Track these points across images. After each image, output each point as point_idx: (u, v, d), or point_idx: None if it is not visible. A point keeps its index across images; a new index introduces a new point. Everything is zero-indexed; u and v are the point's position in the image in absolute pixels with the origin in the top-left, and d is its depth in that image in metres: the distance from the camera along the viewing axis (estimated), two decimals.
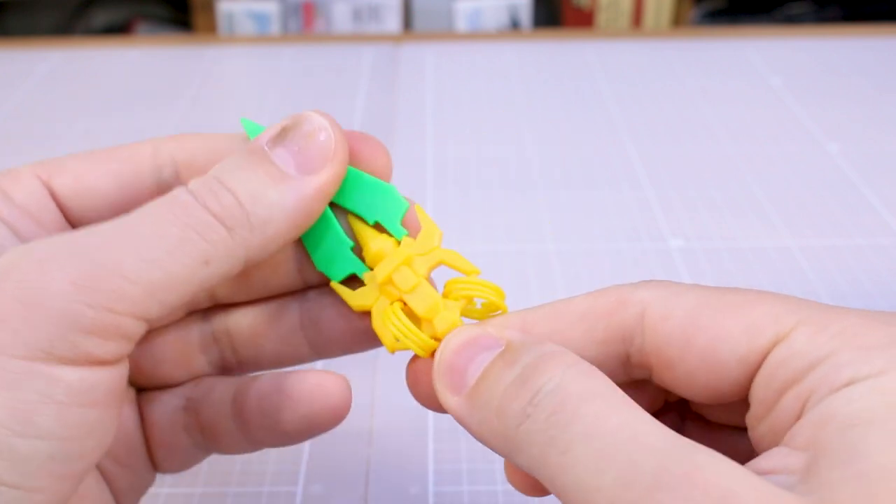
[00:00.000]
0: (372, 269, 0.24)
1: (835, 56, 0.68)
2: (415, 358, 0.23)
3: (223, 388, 0.25)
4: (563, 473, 0.18)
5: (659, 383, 0.21)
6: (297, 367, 0.25)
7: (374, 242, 0.23)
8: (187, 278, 0.20)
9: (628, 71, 0.67)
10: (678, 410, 0.24)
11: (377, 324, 0.24)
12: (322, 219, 0.24)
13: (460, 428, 0.27)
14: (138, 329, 0.20)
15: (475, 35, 0.87)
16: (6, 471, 0.18)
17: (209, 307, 0.26)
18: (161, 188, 0.24)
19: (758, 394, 0.19)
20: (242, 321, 0.25)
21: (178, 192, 0.21)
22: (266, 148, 0.22)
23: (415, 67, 0.68)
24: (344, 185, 0.24)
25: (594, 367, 0.19)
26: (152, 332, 0.25)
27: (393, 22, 1.44)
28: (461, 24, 1.44)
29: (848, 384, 0.17)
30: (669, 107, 0.61)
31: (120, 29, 1.53)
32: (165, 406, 0.26)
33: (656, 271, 0.44)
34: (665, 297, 0.21)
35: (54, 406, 0.19)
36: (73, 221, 0.24)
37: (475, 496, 0.32)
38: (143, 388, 0.26)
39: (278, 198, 0.21)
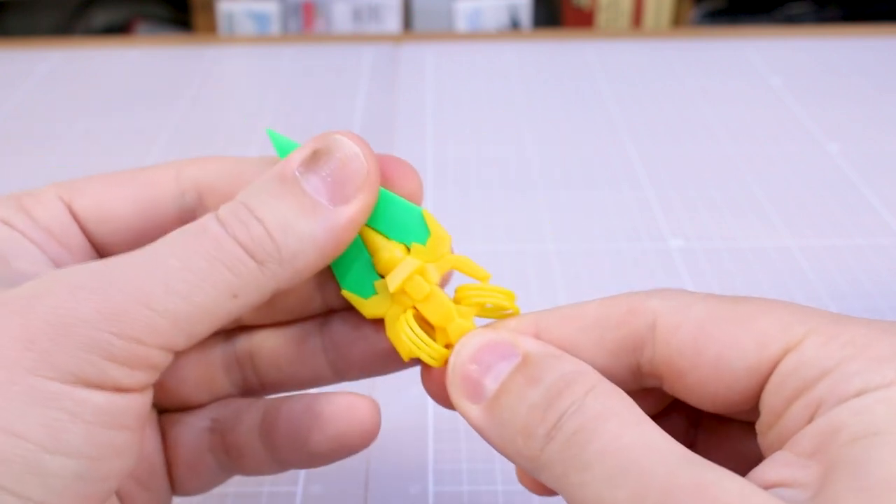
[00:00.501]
0: (383, 277, 0.24)
1: (835, 56, 0.68)
2: (428, 366, 0.23)
3: (251, 409, 0.25)
4: (581, 490, 0.18)
5: (670, 392, 0.21)
6: (322, 389, 0.25)
7: (384, 251, 0.23)
8: (215, 311, 0.20)
9: (628, 71, 0.67)
10: (692, 409, 0.24)
11: (391, 333, 0.24)
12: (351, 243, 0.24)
13: (460, 428, 0.27)
14: (165, 359, 0.20)
15: (475, 35, 0.87)
16: (36, 487, 0.18)
17: (232, 329, 0.26)
18: (183, 214, 0.24)
19: (767, 403, 0.19)
20: (265, 343, 0.25)
21: (207, 222, 0.21)
22: (297, 174, 0.21)
23: (415, 67, 0.68)
24: (377, 205, 0.23)
25: (613, 386, 0.20)
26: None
27: (393, 22, 1.44)
28: (461, 24, 1.44)
29: (858, 394, 0.17)
30: (669, 107, 0.61)
31: (120, 29, 1.53)
32: (191, 427, 0.26)
33: (656, 271, 0.44)
34: (676, 307, 0.21)
35: (83, 425, 0.19)
36: (95, 244, 0.24)
37: (475, 496, 0.32)
38: (165, 409, 0.26)
39: (310, 230, 0.21)
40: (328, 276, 0.24)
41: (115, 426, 0.19)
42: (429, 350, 0.23)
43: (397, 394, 0.36)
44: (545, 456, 0.19)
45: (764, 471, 0.18)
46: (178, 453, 0.26)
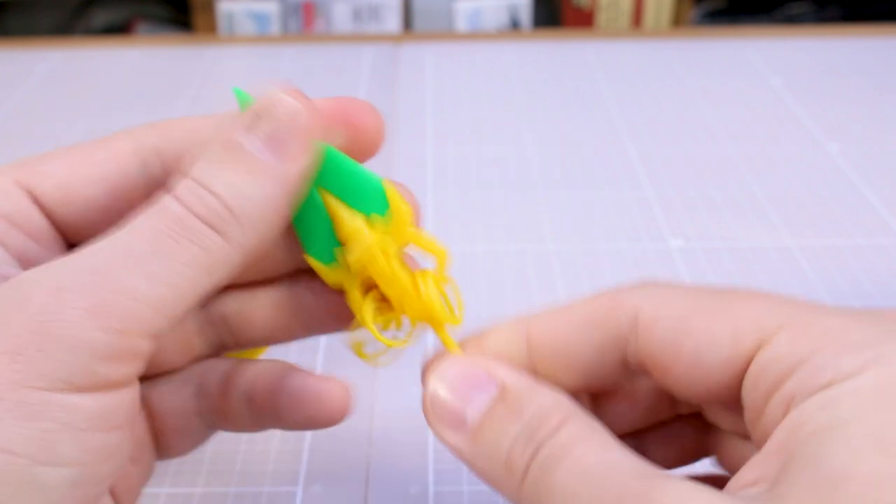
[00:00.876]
0: (344, 246, 0.24)
1: (835, 56, 0.68)
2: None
3: (236, 373, 0.26)
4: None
5: (660, 385, 0.22)
6: (302, 345, 0.26)
7: (345, 221, 0.23)
8: (192, 290, 0.20)
9: (628, 71, 0.67)
10: (700, 418, 0.24)
11: (351, 303, 0.24)
12: (313, 205, 0.24)
13: None
14: (150, 347, 0.20)
15: (475, 35, 0.87)
16: (33, 500, 0.18)
17: None
18: (149, 183, 0.24)
19: (748, 398, 0.20)
20: (236, 305, 0.26)
21: (166, 202, 0.21)
22: (240, 140, 0.22)
23: (415, 67, 0.68)
24: (338, 174, 0.23)
25: (587, 416, 0.20)
26: None
27: (393, 22, 1.44)
28: (461, 24, 1.44)
29: (827, 386, 0.18)
30: (669, 107, 0.61)
31: (120, 29, 1.53)
32: (178, 395, 0.26)
33: (656, 271, 0.44)
34: (656, 301, 0.21)
35: (75, 433, 0.19)
36: (59, 227, 0.24)
37: (475, 496, 0.32)
38: (143, 377, 0.26)
39: (261, 191, 0.21)
40: (295, 236, 0.24)
41: (107, 428, 0.19)
42: (385, 342, 0.23)
43: (397, 394, 0.36)
44: (524, 489, 0.20)
45: (743, 471, 0.18)
46: (165, 422, 0.26)
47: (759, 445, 0.19)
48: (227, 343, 0.26)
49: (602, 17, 1.48)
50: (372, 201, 0.23)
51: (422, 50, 0.71)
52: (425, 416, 0.22)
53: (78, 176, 0.24)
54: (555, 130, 0.58)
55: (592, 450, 0.19)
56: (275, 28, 1.42)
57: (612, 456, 0.19)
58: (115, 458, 0.20)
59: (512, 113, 0.60)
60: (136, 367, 0.20)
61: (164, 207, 0.21)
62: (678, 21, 1.47)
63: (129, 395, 0.20)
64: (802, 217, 0.48)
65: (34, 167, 0.24)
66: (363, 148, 0.24)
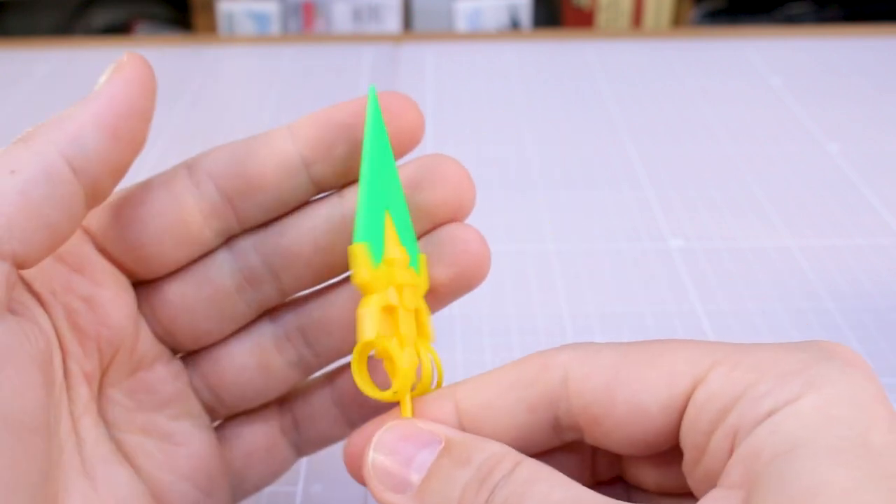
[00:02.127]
0: (384, 268, 0.23)
1: (835, 56, 0.68)
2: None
3: (321, 395, 0.26)
4: None
5: (592, 443, 0.21)
6: None
7: (389, 251, 0.23)
8: (35, 202, 0.20)
9: (628, 71, 0.67)
10: (622, 485, 0.24)
11: (359, 311, 0.23)
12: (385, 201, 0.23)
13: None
14: (7, 267, 0.19)
15: (475, 35, 0.87)
16: None
17: (276, 308, 0.26)
18: (202, 207, 0.24)
19: (688, 440, 0.20)
20: (314, 314, 0.25)
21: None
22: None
23: (415, 67, 0.68)
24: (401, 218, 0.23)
25: (538, 462, 0.20)
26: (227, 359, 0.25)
27: (393, 22, 1.44)
28: (461, 24, 1.44)
29: (770, 414, 0.18)
30: (669, 107, 0.61)
31: (120, 29, 1.53)
32: (271, 428, 0.26)
33: (656, 271, 0.44)
34: (584, 356, 0.21)
35: None
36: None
37: None
38: (231, 415, 0.26)
39: (77, 108, 0.22)
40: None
41: None
42: (371, 391, 0.22)
43: None
44: None
45: None
46: (252, 453, 0.26)
47: (700, 486, 0.20)
48: (307, 360, 0.26)
49: (602, 17, 1.48)
50: (413, 253, 0.23)
51: (422, 50, 0.71)
52: (370, 489, 0.21)
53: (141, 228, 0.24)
54: (555, 130, 0.58)
55: (554, 486, 0.19)
56: (275, 28, 1.42)
57: (576, 492, 0.19)
58: None
59: (512, 113, 0.60)
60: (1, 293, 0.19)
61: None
62: (678, 21, 1.47)
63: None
64: (802, 217, 0.48)
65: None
66: (402, 143, 0.24)
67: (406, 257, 0.23)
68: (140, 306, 0.24)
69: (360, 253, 0.22)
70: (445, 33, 1.34)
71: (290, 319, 0.25)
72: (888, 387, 0.37)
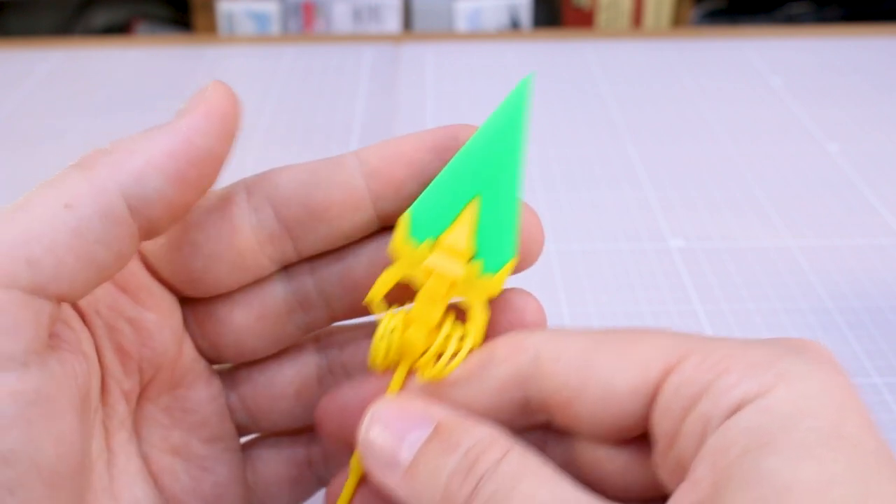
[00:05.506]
0: (438, 247, 0.22)
1: (835, 56, 0.68)
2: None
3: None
4: None
5: (560, 426, 0.22)
6: None
7: (458, 233, 0.22)
8: (51, 225, 0.19)
9: (628, 71, 0.67)
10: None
11: (380, 280, 0.22)
12: (465, 184, 0.22)
13: None
14: (34, 306, 0.18)
15: (475, 35, 0.87)
16: None
17: (289, 266, 0.24)
18: (255, 229, 0.23)
19: (659, 428, 0.20)
20: (360, 352, 0.25)
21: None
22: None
23: (415, 67, 0.68)
24: (501, 201, 0.22)
25: (526, 449, 0.20)
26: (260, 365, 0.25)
27: (393, 22, 1.44)
28: (461, 24, 1.44)
29: (739, 407, 0.18)
30: (669, 107, 0.61)
31: (120, 29, 1.53)
32: (298, 458, 0.26)
33: (656, 271, 0.44)
34: (557, 340, 0.21)
35: None
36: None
37: None
38: (263, 436, 0.26)
39: (147, 140, 0.20)
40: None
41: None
42: (382, 354, 0.22)
43: None
44: None
45: (675, 499, 0.18)
46: (277, 483, 0.25)
47: (671, 476, 0.20)
48: (319, 320, 0.25)
49: (602, 17, 1.48)
50: (495, 251, 0.22)
51: (422, 50, 0.71)
52: (362, 458, 0.21)
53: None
54: (554, 130, 0.58)
55: (541, 484, 0.19)
56: (275, 28, 1.42)
57: (562, 492, 0.19)
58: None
59: None
60: (27, 336, 0.18)
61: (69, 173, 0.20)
62: (678, 21, 1.47)
63: (34, 378, 0.18)
64: (802, 217, 0.48)
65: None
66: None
67: (467, 251, 0.22)
68: (185, 322, 0.24)
69: (401, 223, 0.22)
70: (445, 33, 1.34)
71: (335, 353, 0.25)
72: (888, 386, 0.37)
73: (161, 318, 0.23)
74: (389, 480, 0.21)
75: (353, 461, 0.23)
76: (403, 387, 0.23)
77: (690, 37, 0.74)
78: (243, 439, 0.26)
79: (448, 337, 0.22)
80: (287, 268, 0.24)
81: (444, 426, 0.21)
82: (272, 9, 1.41)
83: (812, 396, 0.18)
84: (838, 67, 0.67)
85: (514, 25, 1.46)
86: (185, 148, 0.20)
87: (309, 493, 0.27)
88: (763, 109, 0.60)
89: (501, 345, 0.22)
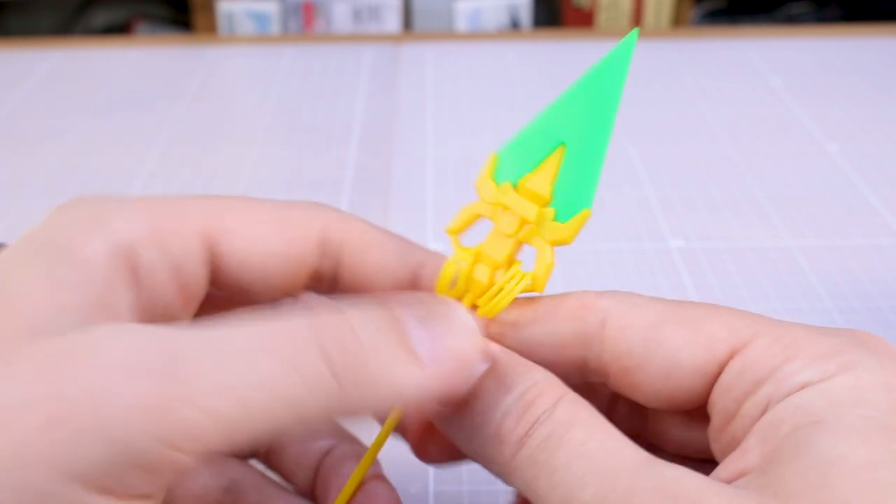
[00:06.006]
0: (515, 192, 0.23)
1: (835, 56, 0.68)
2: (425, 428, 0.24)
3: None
4: (551, 493, 0.19)
5: (615, 389, 0.22)
6: None
7: (540, 180, 0.22)
8: (266, 422, 0.17)
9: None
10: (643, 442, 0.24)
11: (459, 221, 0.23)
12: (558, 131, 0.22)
13: None
14: (192, 464, 0.17)
15: (475, 35, 0.87)
16: None
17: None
18: (313, 275, 0.23)
19: (717, 405, 0.20)
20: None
21: (298, 321, 0.18)
22: (406, 321, 0.19)
23: (415, 67, 0.68)
24: (588, 150, 0.22)
25: (578, 396, 0.20)
26: None
27: (393, 22, 1.44)
28: (461, 24, 1.44)
29: (800, 389, 0.18)
30: (669, 107, 0.61)
31: (120, 29, 1.53)
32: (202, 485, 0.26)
33: (656, 271, 0.44)
34: (626, 307, 0.21)
35: None
36: (212, 282, 0.23)
37: (475, 496, 0.32)
38: None
39: (402, 380, 0.19)
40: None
41: None
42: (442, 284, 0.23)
43: None
44: (516, 462, 0.20)
45: (723, 467, 0.19)
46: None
47: (724, 451, 0.20)
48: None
49: (602, 17, 1.48)
50: (570, 201, 0.22)
51: (422, 50, 0.71)
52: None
53: (261, 247, 0.22)
54: None
55: (594, 434, 0.19)
56: (275, 28, 1.42)
57: (614, 443, 0.19)
58: None
59: (512, 113, 0.60)
60: (168, 482, 0.17)
61: (292, 325, 0.18)
62: (678, 21, 1.47)
63: None
64: (802, 217, 0.48)
65: (222, 218, 0.22)
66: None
67: (545, 196, 0.22)
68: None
69: (488, 161, 0.23)
70: (445, 33, 1.34)
71: None
72: None
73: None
74: (443, 416, 0.21)
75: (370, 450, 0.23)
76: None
77: (690, 37, 0.74)
78: None
79: (511, 278, 0.22)
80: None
81: (502, 364, 0.21)
82: (272, 9, 1.41)
83: (869, 389, 0.18)
84: (838, 67, 0.67)
85: (514, 25, 1.46)
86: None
87: None
88: (763, 109, 0.60)
89: (571, 301, 0.22)
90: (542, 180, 0.22)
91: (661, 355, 0.20)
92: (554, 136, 0.22)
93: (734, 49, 0.70)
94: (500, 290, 0.22)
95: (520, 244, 0.23)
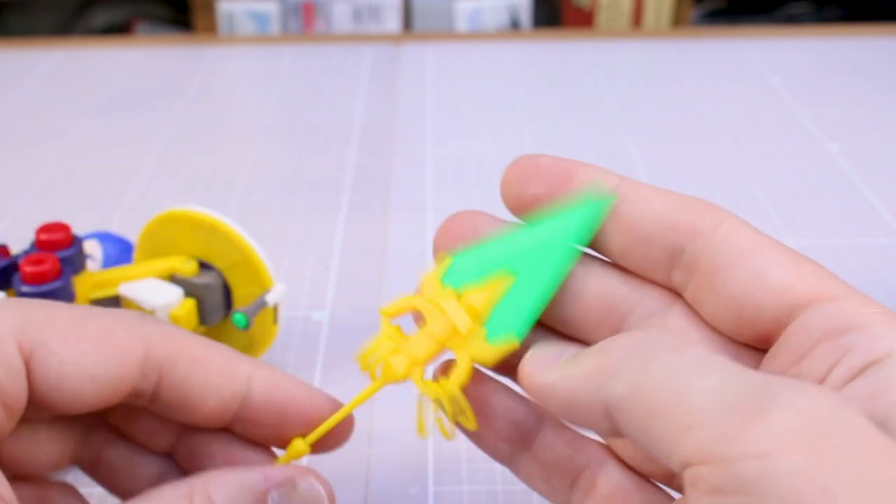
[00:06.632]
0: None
1: (835, 56, 0.68)
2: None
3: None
4: (668, 379, 0.18)
5: (690, 300, 0.22)
6: None
7: (475, 299, 0.23)
8: None
9: (628, 71, 0.67)
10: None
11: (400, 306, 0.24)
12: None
13: None
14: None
15: (475, 35, 0.87)
16: None
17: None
18: (134, 394, 0.23)
19: (792, 339, 0.20)
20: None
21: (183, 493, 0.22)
22: (270, 498, 0.23)
23: (415, 67, 0.68)
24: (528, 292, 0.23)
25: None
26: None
27: (393, 22, 1.44)
28: (461, 24, 1.44)
29: (889, 354, 0.19)
30: (669, 107, 0.61)
31: (120, 29, 1.53)
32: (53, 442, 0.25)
33: None
34: (743, 223, 0.22)
35: None
36: (30, 398, 0.22)
37: (475, 496, 0.32)
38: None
39: None
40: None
41: None
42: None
43: (397, 394, 0.36)
44: (620, 364, 0.20)
45: None
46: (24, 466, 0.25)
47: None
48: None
49: (602, 17, 1.48)
50: (502, 326, 0.23)
51: (422, 50, 0.71)
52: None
53: (78, 369, 0.22)
54: (555, 130, 0.58)
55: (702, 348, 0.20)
56: (275, 28, 1.42)
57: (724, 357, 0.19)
58: None
59: (512, 113, 0.60)
60: None
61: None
62: (678, 21, 1.47)
63: None
64: (802, 217, 0.48)
65: (41, 333, 0.22)
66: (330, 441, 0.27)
67: (481, 314, 0.23)
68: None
69: (440, 261, 0.24)
70: (445, 33, 1.34)
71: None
72: None
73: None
74: (551, 376, 0.21)
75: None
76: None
77: (690, 37, 0.74)
78: None
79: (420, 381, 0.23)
80: None
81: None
82: (272, 9, 1.41)
83: None
84: (838, 67, 0.67)
85: (514, 25, 1.46)
86: None
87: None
88: (763, 109, 0.60)
89: (696, 197, 0.22)
90: (484, 299, 0.23)
91: (755, 265, 0.21)
92: (509, 263, 0.23)
93: (734, 49, 0.70)
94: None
95: (443, 348, 0.23)
